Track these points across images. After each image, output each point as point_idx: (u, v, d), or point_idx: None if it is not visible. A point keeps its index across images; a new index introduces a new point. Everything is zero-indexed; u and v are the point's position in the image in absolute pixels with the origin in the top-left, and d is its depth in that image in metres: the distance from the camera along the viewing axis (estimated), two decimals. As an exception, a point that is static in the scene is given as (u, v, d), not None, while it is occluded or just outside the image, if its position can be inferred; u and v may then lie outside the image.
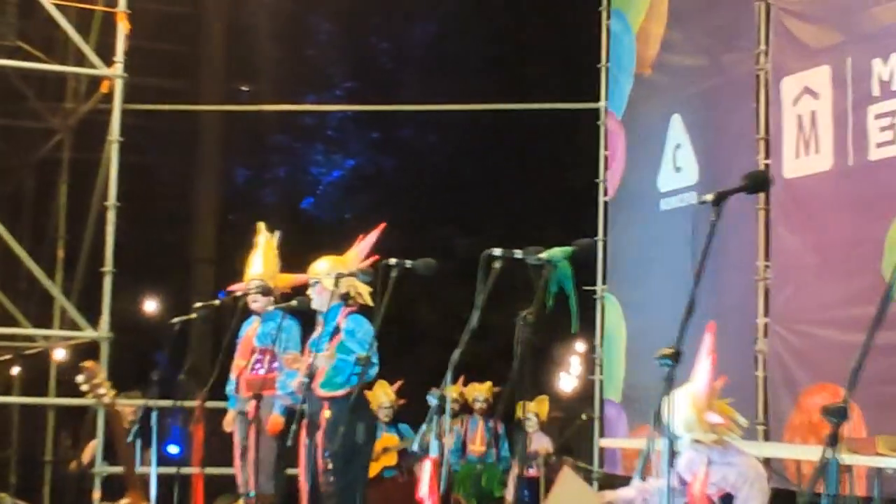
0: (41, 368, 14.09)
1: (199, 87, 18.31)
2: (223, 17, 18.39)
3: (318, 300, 7.76)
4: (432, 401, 8.73)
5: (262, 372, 8.86)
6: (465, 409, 13.69)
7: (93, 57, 11.14)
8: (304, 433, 7.65)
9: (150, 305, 18.48)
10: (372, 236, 7.93)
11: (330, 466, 7.35)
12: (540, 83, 17.04)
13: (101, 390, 5.21)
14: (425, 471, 5.05)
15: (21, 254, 11.15)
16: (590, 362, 13.00)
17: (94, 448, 11.94)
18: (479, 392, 12.92)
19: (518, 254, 4.95)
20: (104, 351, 10.76)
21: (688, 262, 10.56)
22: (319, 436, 7.52)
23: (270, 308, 8.88)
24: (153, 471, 7.78)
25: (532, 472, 12.78)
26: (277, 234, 9.09)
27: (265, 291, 8.92)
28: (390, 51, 22.74)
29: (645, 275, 11.53)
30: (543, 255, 4.83)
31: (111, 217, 10.82)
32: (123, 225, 11.15)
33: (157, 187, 18.39)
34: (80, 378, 5.23)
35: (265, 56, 19.56)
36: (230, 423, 9.09)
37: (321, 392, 7.63)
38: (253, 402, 8.63)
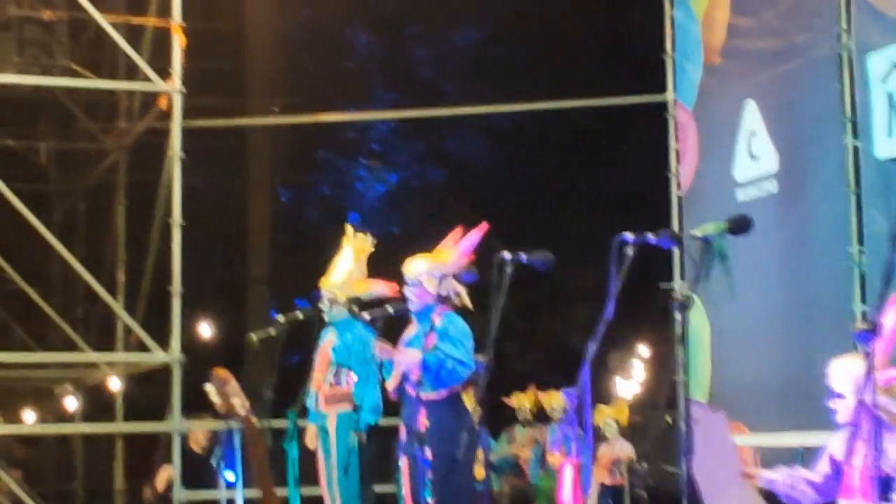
0: (96, 397, 13.89)
1: (246, 103, 18.13)
2: (266, 33, 18.20)
3: (418, 303, 7.44)
4: None
5: (340, 385, 8.62)
6: (541, 417, 13.43)
7: (149, 72, 10.92)
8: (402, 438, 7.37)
9: (207, 327, 18.25)
10: (473, 235, 7.60)
11: (430, 477, 7.06)
12: (595, 80, 16.70)
13: (236, 400, 4.92)
14: (567, 475, 4.77)
15: (86, 277, 10.93)
16: (661, 364, 12.66)
17: (168, 473, 11.74)
18: (558, 401, 12.65)
19: (651, 237, 4.69)
20: (176, 374, 10.53)
21: (772, 253, 10.32)
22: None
23: (344, 316, 8.65)
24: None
25: (615, 479, 12.51)
26: (367, 237, 8.81)
27: (332, 302, 8.67)
28: (434, 57, 22.48)
29: (726, 268, 11.18)
30: (697, 231, 4.57)
31: (177, 236, 10.60)
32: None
33: (204, 207, 18.15)
34: (209, 387, 4.95)
35: (309, 70, 19.38)
36: (313, 440, 8.83)
37: (417, 396, 7.34)
38: (332, 417, 8.43)
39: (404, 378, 7.27)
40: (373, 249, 8.87)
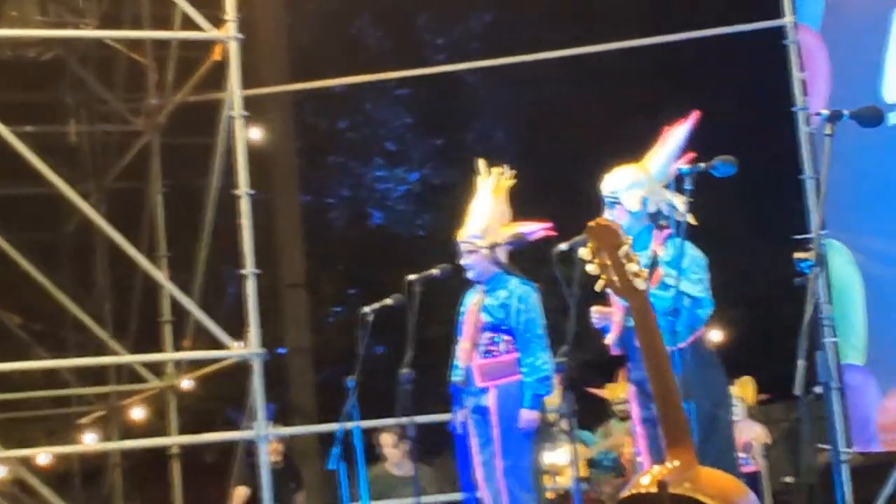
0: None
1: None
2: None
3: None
4: None
5: (498, 355, 7.09)
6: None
7: (199, 19, 9.37)
8: (635, 410, 5.87)
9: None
10: (682, 128, 6.08)
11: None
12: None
13: (632, 266, 3.38)
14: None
15: (146, 267, 9.40)
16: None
17: (242, 498, 10.24)
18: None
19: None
20: (257, 371, 8.99)
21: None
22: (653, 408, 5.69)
23: (493, 270, 7.15)
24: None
25: (748, 467, 11.03)
26: (506, 170, 7.28)
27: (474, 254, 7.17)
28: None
29: (878, 210, 9.84)
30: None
31: (246, 208, 9.05)
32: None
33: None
34: (584, 250, 3.41)
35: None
36: (455, 425, 7.31)
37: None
38: (492, 394, 6.94)
39: (626, 332, 5.72)
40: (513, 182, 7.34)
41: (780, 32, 10.83)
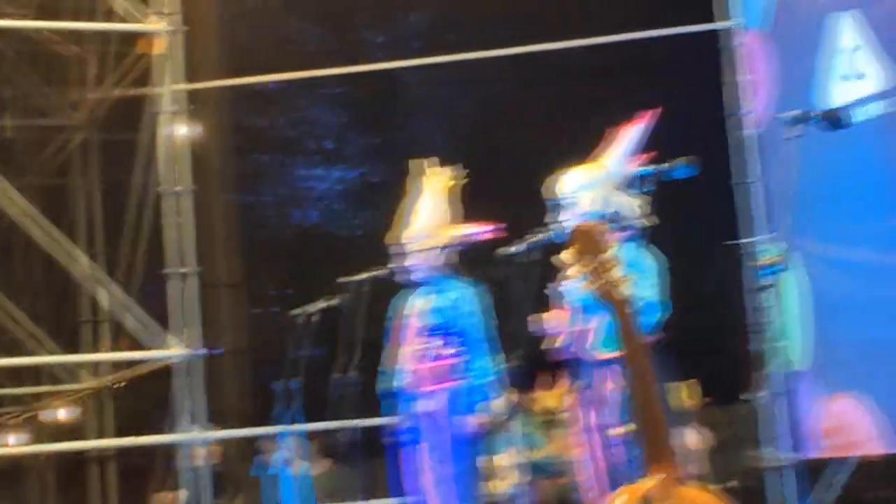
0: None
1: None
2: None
3: None
4: None
5: (444, 358, 6.94)
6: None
7: (138, 13, 9.13)
8: (579, 416, 5.74)
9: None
10: (638, 128, 5.96)
11: (626, 458, 5.40)
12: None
13: (615, 273, 3.24)
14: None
15: (76, 265, 9.13)
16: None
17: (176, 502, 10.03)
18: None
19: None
20: (196, 372, 8.78)
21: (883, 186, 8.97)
22: (604, 415, 5.58)
23: (440, 272, 7.00)
24: None
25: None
26: (453, 170, 7.13)
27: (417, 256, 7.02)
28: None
29: (823, 214, 9.77)
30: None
31: (188, 204, 8.83)
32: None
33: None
34: (566, 253, 3.28)
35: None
36: (399, 430, 7.15)
37: (599, 354, 5.67)
38: (438, 398, 6.80)
39: (573, 338, 5.60)
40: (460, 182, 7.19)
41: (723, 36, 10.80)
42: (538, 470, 11.16)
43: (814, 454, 10.05)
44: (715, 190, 10.83)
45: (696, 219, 13.29)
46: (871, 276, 9.43)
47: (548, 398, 11.57)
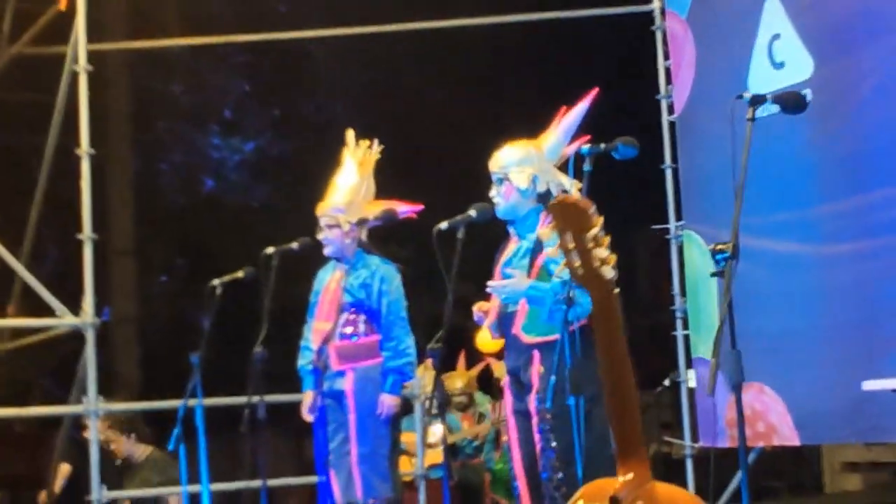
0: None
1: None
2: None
3: (507, 205, 5.58)
4: None
5: (357, 337, 6.72)
6: (493, 391, 11.72)
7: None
8: (508, 400, 5.55)
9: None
10: (578, 108, 5.77)
11: (553, 444, 5.23)
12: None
13: (601, 252, 3.03)
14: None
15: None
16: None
17: (65, 474, 9.68)
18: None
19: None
20: (90, 342, 8.44)
21: (808, 175, 8.87)
22: (531, 400, 5.40)
23: (354, 248, 6.78)
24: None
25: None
26: (375, 145, 6.91)
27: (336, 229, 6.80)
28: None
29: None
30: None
31: (86, 169, 8.50)
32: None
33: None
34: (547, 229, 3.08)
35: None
36: (309, 409, 6.94)
37: (526, 338, 5.49)
38: (350, 377, 6.59)
39: (505, 318, 5.42)
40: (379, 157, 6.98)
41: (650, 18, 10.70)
42: (458, 451, 11.03)
43: (720, 444, 10.00)
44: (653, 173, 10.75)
45: (631, 201, 13.20)
46: (779, 267, 9.36)
47: (455, 378, 11.41)
